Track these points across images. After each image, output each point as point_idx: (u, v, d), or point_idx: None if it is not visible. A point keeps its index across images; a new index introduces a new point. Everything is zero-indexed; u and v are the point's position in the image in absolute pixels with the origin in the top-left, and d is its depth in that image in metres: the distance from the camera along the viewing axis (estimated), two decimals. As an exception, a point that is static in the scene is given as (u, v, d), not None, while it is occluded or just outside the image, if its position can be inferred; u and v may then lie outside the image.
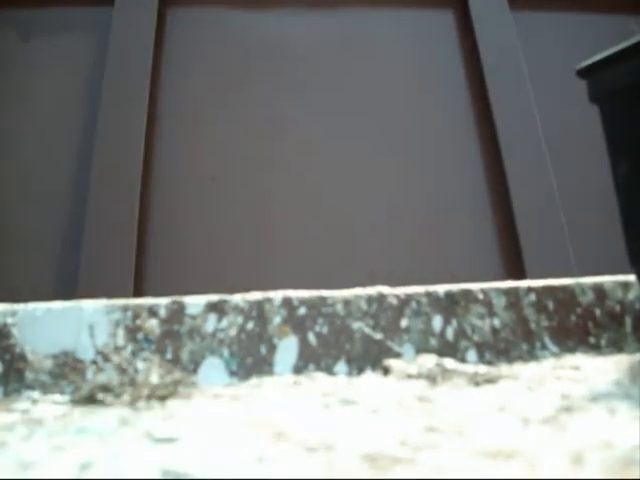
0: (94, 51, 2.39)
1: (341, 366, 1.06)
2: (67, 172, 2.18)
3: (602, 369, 0.95)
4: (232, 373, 1.03)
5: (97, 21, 2.45)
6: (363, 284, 1.93)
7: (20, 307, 1.05)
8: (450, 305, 1.13)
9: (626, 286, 1.21)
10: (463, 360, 1.08)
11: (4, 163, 2.20)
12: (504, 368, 1.03)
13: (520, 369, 1.01)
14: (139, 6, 2.40)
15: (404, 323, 1.10)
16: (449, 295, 1.14)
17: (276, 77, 2.40)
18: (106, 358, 1.02)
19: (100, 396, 0.89)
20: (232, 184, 2.20)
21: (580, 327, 1.15)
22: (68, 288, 1.98)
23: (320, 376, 1.02)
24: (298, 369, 1.05)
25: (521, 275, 2.06)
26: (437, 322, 1.11)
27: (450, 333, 1.11)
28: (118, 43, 2.33)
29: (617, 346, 1.14)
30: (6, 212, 2.14)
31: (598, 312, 1.17)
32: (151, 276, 2.05)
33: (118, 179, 2.09)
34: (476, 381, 0.91)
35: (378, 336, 1.08)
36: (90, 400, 0.89)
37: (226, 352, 1.05)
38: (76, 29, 2.45)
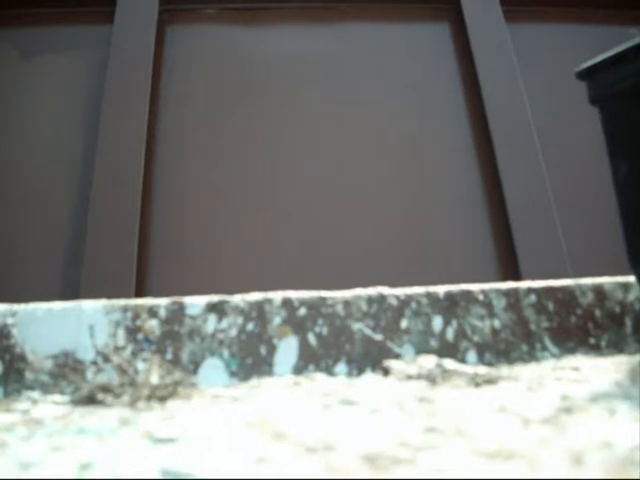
0: (94, 69, 2.41)
1: (341, 367, 1.06)
2: (70, 183, 2.20)
3: (602, 370, 0.95)
4: (232, 374, 1.03)
5: (97, 39, 2.46)
6: (362, 286, 1.93)
7: (20, 307, 1.05)
8: (450, 306, 1.13)
9: (626, 287, 1.21)
10: (463, 361, 1.08)
11: (9, 172, 2.21)
12: (504, 369, 1.03)
13: (520, 370, 1.01)
14: (138, 24, 2.41)
15: (404, 324, 1.10)
16: (449, 296, 1.14)
17: (275, 91, 2.41)
18: (106, 358, 1.02)
19: (100, 396, 0.89)
20: (232, 196, 2.21)
21: (580, 328, 1.15)
22: (69, 295, 1.99)
23: (320, 377, 1.02)
24: (298, 370, 1.05)
25: (516, 276, 2.06)
26: (437, 323, 1.11)
27: (450, 334, 1.11)
28: (118, 61, 2.34)
29: (617, 347, 1.14)
30: (9, 214, 2.15)
31: (598, 313, 1.17)
32: (152, 282, 2.06)
33: (118, 195, 2.11)
34: (476, 382, 0.91)
35: (378, 337, 1.08)
36: (90, 400, 0.89)
37: (226, 353, 1.05)
38: (76, 47, 2.46)
